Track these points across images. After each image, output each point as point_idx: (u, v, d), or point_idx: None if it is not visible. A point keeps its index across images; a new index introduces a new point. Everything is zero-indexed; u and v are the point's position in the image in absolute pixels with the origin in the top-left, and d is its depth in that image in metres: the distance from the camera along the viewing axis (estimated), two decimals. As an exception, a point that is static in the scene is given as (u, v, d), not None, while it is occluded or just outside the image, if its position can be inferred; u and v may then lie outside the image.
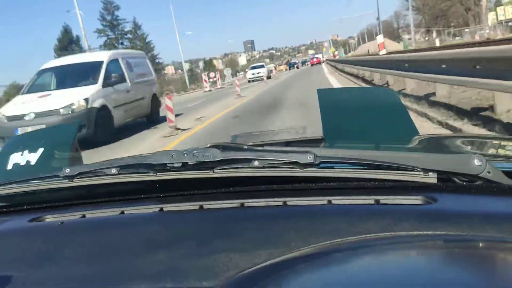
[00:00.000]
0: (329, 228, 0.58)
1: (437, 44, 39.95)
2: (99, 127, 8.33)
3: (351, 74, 19.09)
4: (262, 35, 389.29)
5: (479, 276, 0.37)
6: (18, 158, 1.15)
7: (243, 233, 0.62)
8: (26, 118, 7.98)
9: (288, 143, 1.18)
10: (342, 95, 1.49)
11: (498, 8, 68.57)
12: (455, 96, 6.45)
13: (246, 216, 0.68)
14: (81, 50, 62.40)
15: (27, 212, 0.85)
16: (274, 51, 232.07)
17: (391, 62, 9.48)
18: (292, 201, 0.70)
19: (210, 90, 30.29)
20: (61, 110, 8.09)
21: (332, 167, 0.73)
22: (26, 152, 1.15)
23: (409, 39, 53.69)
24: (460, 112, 5.36)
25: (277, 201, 0.70)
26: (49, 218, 0.80)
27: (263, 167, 0.72)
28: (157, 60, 75.70)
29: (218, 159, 0.73)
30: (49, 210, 0.84)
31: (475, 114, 5.03)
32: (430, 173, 0.67)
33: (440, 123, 5.32)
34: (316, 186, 0.73)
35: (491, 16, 63.50)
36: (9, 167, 1.15)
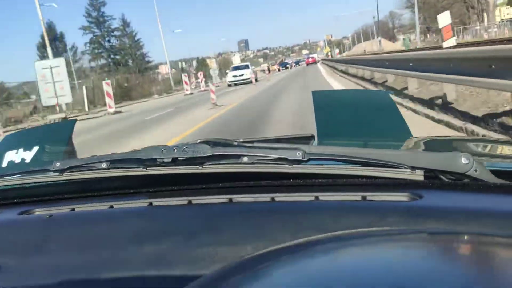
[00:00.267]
0: (315, 223, 0.58)
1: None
2: None
3: (354, 76, 16.46)
4: (256, 34, 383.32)
5: (463, 270, 0.38)
6: (13, 156, 1.12)
7: (231, 227, 0.62)
8: None
9: (278, 140, 1.14)
10: (337, 97, 1.50)
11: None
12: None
13: (234, 211, 0.68)
14: (65, 47, 58.76)
15: (17, 205, 0.85)
16: (268, 51, 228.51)
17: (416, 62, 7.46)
18: (280, 197, 0.70)
19: (191, 93, 26.58)
20: None
21: (321, 164, 0.73)
22: (21, 150, 1.13)
23: (404, 39, 49.65)
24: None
25: (265, 197, 0.70)
26: (39, 211, 0.80)
27: (252, 163, 0.72)
28: (146, 59, 71.69)
29: (208, 154, 0.73)
30: (39, 204, 0.84)
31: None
32: (417, 171, 0.67)
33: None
34: (304, 182, 0.72)
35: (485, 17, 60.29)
36: (4, 164, 1.12)
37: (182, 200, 0.73)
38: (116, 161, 0.80)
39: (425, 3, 57.32)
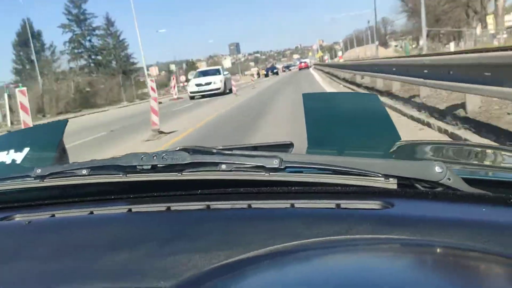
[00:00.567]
0: (288, 230, 0.58)
1: (452, 48, 31.33)
2: None
3: (352, 82, 14.24)
4: (248, 38, 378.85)
5: (431, 279, 0.37)
6: (4, 157, 1.10)
7: (207, 234, 0.61)
8: None
9: (256, 148, 1.10)
10: (327, 99, 1.51)
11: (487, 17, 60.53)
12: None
13: (212, 218, 0.67)
14: (42, 46, 53.56)
15: None
16: (259, 55, 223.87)
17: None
18: (256, 204, 0.70)
19: (160, 102, 21.32)
20: None
21: (297, 172, 0.73)
22: (12, 151, 1.10)
23: (406, 43, 45.11)
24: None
25: (242, 204, 0.70)
26: (18, 218, 0.79)
27: (230, 171, 0.72)
28: (131, 60, 66.52)
29: (187, 162, 0.73)
30: (19, 210, 0.83)
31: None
32: (391, 179, 0.67)
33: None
34: (281, 190, 0.72)
35: (489, 22, 56.15)
36: None
37: (161, 207, 0.73)
38: (96, 168, 0.80)
39: (425, 7, 52.88)
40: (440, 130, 5.09)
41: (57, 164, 0.92)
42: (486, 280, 0.38)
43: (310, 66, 62.73)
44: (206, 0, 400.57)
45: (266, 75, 56.22)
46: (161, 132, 7.86)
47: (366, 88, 11.92)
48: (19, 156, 1.08)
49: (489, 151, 1.30)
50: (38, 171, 0.81)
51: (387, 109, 1.30)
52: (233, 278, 0.42)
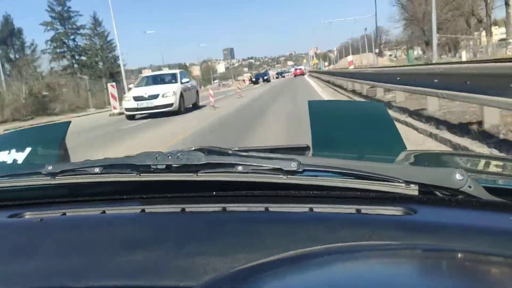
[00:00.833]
0: (309, 235, 0.57)
1: (464, 57, 27.54)
2: None
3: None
4: (242, 43, 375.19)
5: (455, 286, 0.37)
6: (4, 157, 1.08)
7: (224, 237, 0.59)
8: None
9: (273, 150, 1.10)
10: (333, 107, 1.47)
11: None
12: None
13: (228, 220, 0.65)
14: (23, 44, 49.34)
15: (7, 208, 0.82)
16: (253, 61, 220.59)
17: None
18: (274, 207, 0.67)
19: (120, 113, 15.30)
20: None
21: (316, 176, 0.71)
22: (13, 150, 1.08)
23: (409, 51, 41.42)
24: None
25: (259, 207, 0.68)
26: (29, 215, 0.77)
27: (247, 173, 0.70)
28: (118, 62, 62.18)
29: (202, 162, 0.71)
30: (30, 207, 0.80)
31: None
32: (412, 185, 0.66)
33: None
34: (299, 193, 0.71)
35: (494, 32, 52.97)
36: None
37: (175, 208, 0.71)
38: (109, 166, 0.77)
39: (426, 14, 49.28)
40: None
41: (69, 162, 0.87)
42: None
43: (305, 73, 59.86)
44: (201, 4, 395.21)
45: (255, 82, 48.83)
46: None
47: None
48: (22, 155, 1.05)
49: (499, 161, 1.24)
50: (49, 168, 0.78)
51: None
52: (256, 282, 0.41)
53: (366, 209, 0.64)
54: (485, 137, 4.53)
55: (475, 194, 0.63)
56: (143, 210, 0.72)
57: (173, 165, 0.72)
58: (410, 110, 7.19)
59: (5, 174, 0.88)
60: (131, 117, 12.92)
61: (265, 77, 48.47)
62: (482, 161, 1.25)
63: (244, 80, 50.80)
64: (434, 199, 0.65)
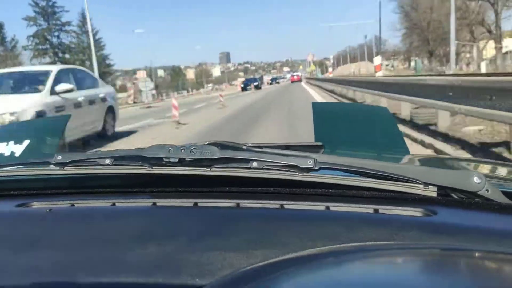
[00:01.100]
0: (327, 233, 0.55)
1: (483, 69, 23.74)
2: None
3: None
4: (239, 48, 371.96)
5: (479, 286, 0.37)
6: (2, 149, 1.06)
7: (238, 232, 0.57)
8: None
9: (287, 147, 1.06)
10: (337, 109, 1.46)
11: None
12: None
13: (242, 216, 0.63)
14: (3, 39, 45.16)
15: (15, 197, 0.79)
16: (249, 65, 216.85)
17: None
18: (289, 204, 0.65)
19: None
20: None
21: (331, 174, 0.69)
22: (11, 142, 1.07)
23: (416, 61, 37.57)
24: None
25: (273, 204, 0.66)
26: (37, 205, 0.74)
27: (262, 169, 0.67)
28: (107, 61, 58.17)
29: (216, 157, 0.69)
30: (38, 197, 0.77)
31: None
32: (430, 187, 0.64)
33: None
34: (314, 191, 0.68)
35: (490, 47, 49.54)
36: None
37: (187, 202, 0.68)
38: (120, 158, 0.75)
39: (430, 23, 45.57)
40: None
41: (78, 152, 0.85)
42: None
43: (302, 80, 56.63)
44: (199, 8, 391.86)
45: (244, 89, 40.15)
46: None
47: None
48: (20, 148, 1.04)
49: (505, 166, 1.24)
50: (59, 158, 0.75)
51: None
52: (276, 278, 0.40)
53: (384, 209, 0.62)
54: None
55: (493, 198, 0.62)
56: (154, 204, 0.69)
57: (186, 159, 0.69)
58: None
59: (12, 163, 0.86)
60: None
61: (256, 83, 39.04)
62: (489, 166, 1.22)
63: (238, 85, 46.55)
64: (453, 201, 0.63)
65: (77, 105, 7.18)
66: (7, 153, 1.03)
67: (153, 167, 0.71)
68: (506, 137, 4.56)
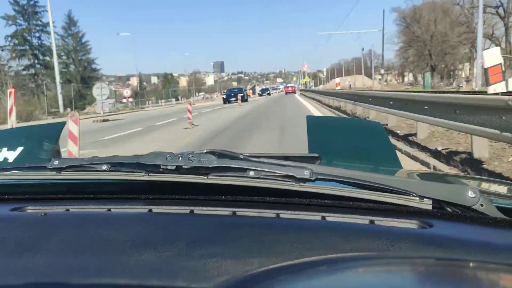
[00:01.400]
0: (324, 242, 0.55)
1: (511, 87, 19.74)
2: None
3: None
4: (233, 58, 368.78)
5: None
6: (3, 152, 1.06)
7: (235, 240, 0.57)
8: None
9: (285, 157, 1.04)
10: (331, 123, 1.45)
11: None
12: None
13: (238, 224, 0.63)
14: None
15: (10, 201, 0.77)
16: (242, 75, 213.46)
17: None
18: (285, 214, 0.65)
19: None
20: None
21: (328, 185, 0.69)
22: (8, 148, 1.06)
23: (425, 74, 33.79)
24: None
25: (270, 213, 0.65)
26: (32, 209, 0.73)
27: (259, 178, 0.67)
28: (93, 66, 53.86)
29: (214, 165, 0.68)
30: (33, 201, 0.76)
31: None
32: (426, 200, 0.64)
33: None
34: (311, 201, 0.68)
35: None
36: None
37: (183, 209, 0.67)
38: (117, 164, 0.74)
39: (434, 36, 41.98)
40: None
41: (75, 157, 0.82)
42: None
43: (296, 92, 53.44)
44: (196, 16, 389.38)
45: (227, 101, 32.75)
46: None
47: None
48: (13, 154, 1.02)
49: (495, 183, 1.22)
50: (56, 162, 0.74)
51: None
52: (271, 286, 0.40)
53: (380, 220, 0.61)
54: None
55: (487, 212, 0.61)
56: (150, 210, 0.68)
57: (183, 166, 0.68)
58: None
59: (8, 167, 0.84)
60: None
61: (240, 95, 30.21)
62: (484, 182, 1.19)
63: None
64: (448, 215, 0.63)
65: None
66: (2, 158, 1.01)
67: (150, 174, 0.69)
68: None
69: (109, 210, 0.68)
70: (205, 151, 0.74)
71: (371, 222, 0.61)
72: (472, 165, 4.29)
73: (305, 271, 0.44)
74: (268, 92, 59.48)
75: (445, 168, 4.34)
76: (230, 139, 8.34)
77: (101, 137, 9.79)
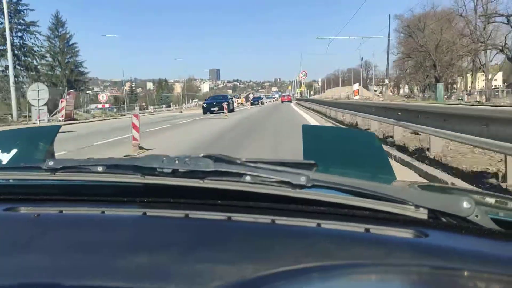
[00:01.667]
0: (319, 249, 0.54)
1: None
2: None
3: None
4: (229, 65, 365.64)
5: None
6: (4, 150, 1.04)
7: (229, 245, 0.56)
8: None
9: (281, 163, 0.96)
10: (326, 133, 1.46)
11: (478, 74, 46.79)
12: None
13: (233, 229, 0.62)
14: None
15: (3, 201, 0.76)
16: (238, 83, 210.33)
17: None
18: (281, 220, 0.64)
19: None
20: None
21: (324, 192, 0.68)
22: (2, 148, 1.04)
23: (438, 85, 30.58)
24: None
25: (265, 219, 0.64)
26: (25, 210, 0.72)
27: (255, 183, 0.66)
28: (81, 69, 50.07)
29: (210, 169, 0.66)
30: (26, 202, 0.75)
31: None
32: (421, 209, 0.63)
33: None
34: (306, 208, 0.67)
35: (480, 79, 43.24)
36: None
37: (178, 213, 0.66)
38: (112, 166, 0.72)
39: (438, 47, 38.74)
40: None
41: (70, 159, 0.81)
42: None
43: (292, 101, 50.70)
44: (194, 23, 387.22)
45: (208, 111, 25.62)
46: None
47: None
48: (7, 156, 1.01)
49: (489, 197, 1.21)
50: (50, 163, 0.72)
51: None
52: None
53: (375, 228, 0.60)
54: None
55: (482, 224, 0.61)
56: (144, 213, 0.66)
57: (179, 170, 0.67)
58: None
59: (2, 167, 0.83)
60: None
61: (226, 103, 23.59)
62: (479, 194, 1.20)
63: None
64: (444, 225, 0.62)
65: None
66: (13, 153, 1.01)
67: (146, 177, 0.68)
68: None
69: (103, 212, 0.67)
70: (201, 155, 0.72)
71: (367, 230, 0.60)
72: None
73: (299, 277, 0.44)
74: (260, 101, 54.55)
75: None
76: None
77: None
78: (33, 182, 0.77)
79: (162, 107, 56.16)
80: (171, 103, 60.89)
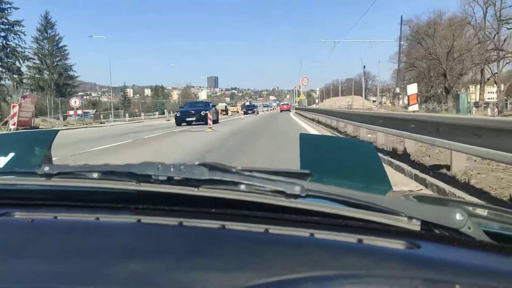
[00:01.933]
0: (311, 259, 0.54)
1: None
2: None
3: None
4: (227, 73, 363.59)
5: None
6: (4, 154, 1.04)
7: (223, 253, 0.56)
8: None
9: (276, 173, 0.95)
10: (323, 142, 1.46)
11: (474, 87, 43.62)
12: None
13: (227, 238, 0.62)
14: None
15: None
16: (236, 91, 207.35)
17: None
18: (274, 229, 0.64)
19: None
20: None
21: (318, 202, 0.67)
22: (2, 152, 1.04)
23: (461, 95, 27.29)
24: None
25: (259, 228, 0.64)
26: (19, 215, 0.71)
27: (249, 192, 0.66)
28: (70, 73, 46.54)
29: (205, 178, 0.66)
30: (21, 207, 0.74)
31: None
32: (414, 220, 0.62)
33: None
34: (300, 218, 0.67)
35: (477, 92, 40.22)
36: None
37: (172, 221, 0.66)
38: (108, 173, 0.72)
39: (450, 54, 35.36)
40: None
41: (65, 164, 0.80)
42: None
43: (291, 110, 48.30)
44: (192, 30, 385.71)
45: (182, 121, 19.47)
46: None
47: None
48: (3, 160, 1.01)
49: (481, 207, 1.20)
50: (46, 169, 0.71)
51: None
52: None
53: (367, 239, 0.60)
54: None
55: (474, 236, 0.61)
56: (139, 221, 0.66)
57: (174, 177, 0.66)
58: None
59: None
60: None
61: (203, 113, 18.99)
62: (472, 206, 1.20)
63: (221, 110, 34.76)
64: (436, 236, 0.62)
65: None
66: (9, 158, 1.00)
67: (141, 184, 0.68)
68: None
69: (98, 218, 0.67)
70: (197, 163, 0.72)
71: (359, 240, 0.60)
72: None
73: (292, 286, 0.44)
74: (254, 110, 46.27)
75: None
76: None
77: None
78: (28, 187, 0.76)
79: (155, 114, 52.44)
80: (165, 110, 57.21)
